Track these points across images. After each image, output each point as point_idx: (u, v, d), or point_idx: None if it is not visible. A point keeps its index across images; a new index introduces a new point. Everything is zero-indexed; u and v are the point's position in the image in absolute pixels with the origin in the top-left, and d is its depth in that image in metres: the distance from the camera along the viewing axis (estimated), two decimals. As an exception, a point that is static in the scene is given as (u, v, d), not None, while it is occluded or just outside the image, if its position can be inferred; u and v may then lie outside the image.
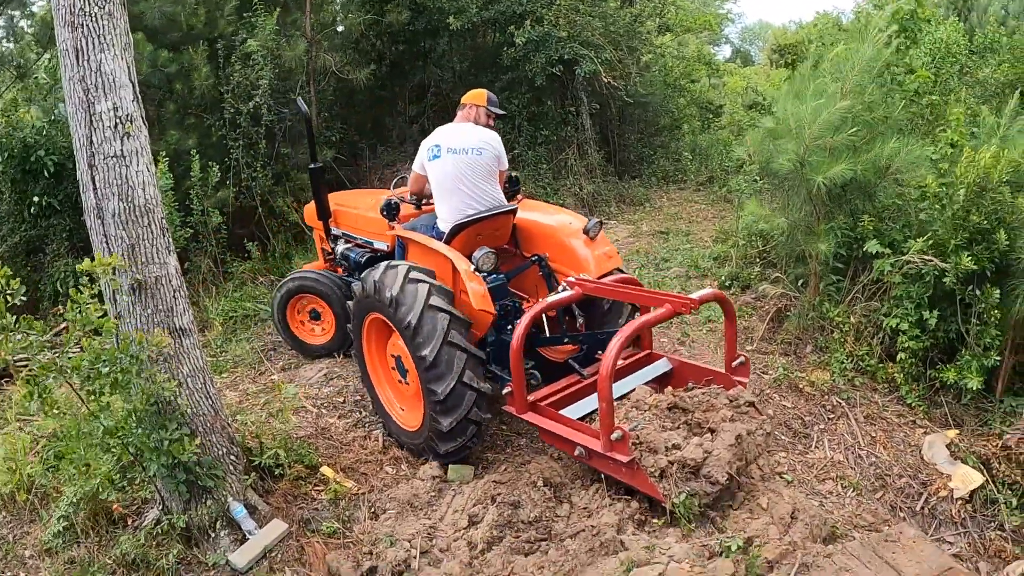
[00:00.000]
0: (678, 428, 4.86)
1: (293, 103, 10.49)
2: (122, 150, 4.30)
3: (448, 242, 5.88)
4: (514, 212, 6.23)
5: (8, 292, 3.94)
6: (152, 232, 4.44)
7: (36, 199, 9.16)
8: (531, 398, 5.34)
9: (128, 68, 4.34)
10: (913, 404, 6.56)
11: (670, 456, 4.59)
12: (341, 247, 7.33)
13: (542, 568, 4.34)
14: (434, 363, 5.14)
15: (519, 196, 6.77)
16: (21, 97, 11.28)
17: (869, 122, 6.81)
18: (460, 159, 5.95)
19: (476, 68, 13.92)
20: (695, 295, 4.95)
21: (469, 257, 5.70)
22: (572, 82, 12.93)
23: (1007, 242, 5.90)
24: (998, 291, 5.98)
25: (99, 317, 4.10)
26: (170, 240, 4.60)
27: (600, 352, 5.66)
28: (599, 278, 5.68)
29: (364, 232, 7.10)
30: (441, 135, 6.10)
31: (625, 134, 15.07)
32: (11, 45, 12.63)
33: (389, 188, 7.47)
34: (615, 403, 4.98)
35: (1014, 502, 5.68)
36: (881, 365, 6.80)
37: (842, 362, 6.88)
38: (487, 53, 13.60)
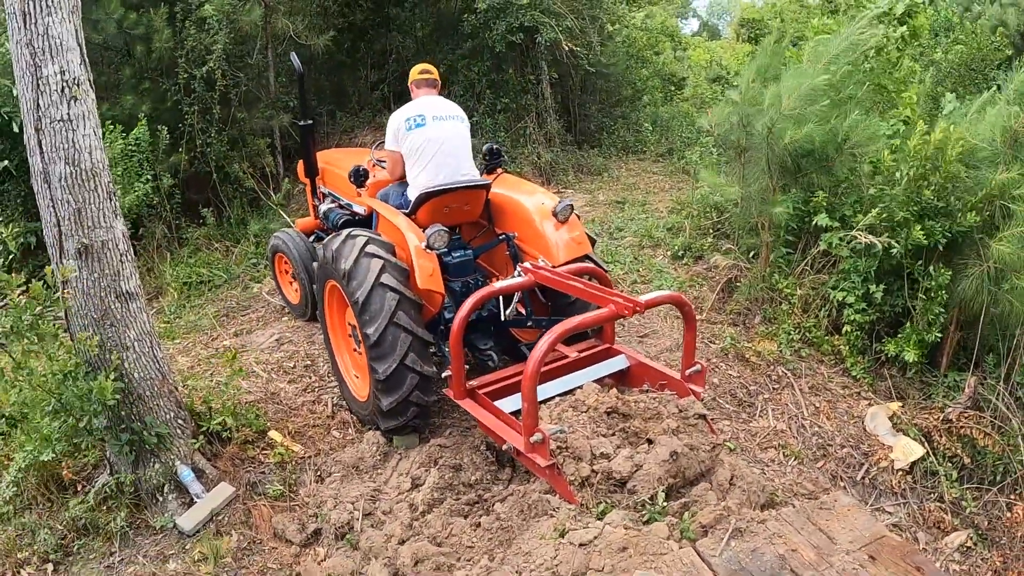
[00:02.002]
0: (613, 435, 4.62)
1: (280, 66, 10.40)
2: (69, 114, 4.26)
3: (414, 210, 5.81)
4: (486, 187, 6.07)
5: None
6: (99, 196, 4.42)
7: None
8: (474, 383, 5.25)
9: (76, 31, 4.29)
10: (858, 376, 6.70)
11: (596, 465, 4.42)
12: (325, 206, 7.24)
13: (478, 528, 4.42)
14: (378, 342, 5.07)
15: (499, 169, 6.57)
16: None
17: (835, 101, 6.90)
18: (448, 125, 5.92)
19: (438, 35, 13.84)
20: (644, 297, 4.73)
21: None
22: (533, 50, 12.89)
23: (960, 217, 6.04)
24: (950, 272, 6.12)
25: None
26: (117, 204, 4.58)
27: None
28: (566, 263, 5.54)
29: (344, 194, 7.04)
30: (420, 106, 5.98)
31: (586, 104, 15.06)
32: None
33: (372, 149, 7.37)
34: (558, 398, 4.97)
35: (954, 474, 5.87)
36: (827, 337, 6.94)
37: (789, 333, 6.99)
38: (449, 20, 13.50)
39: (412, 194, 5.93)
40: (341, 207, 7.11)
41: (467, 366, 5.33)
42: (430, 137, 5.83)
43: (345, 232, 5.49)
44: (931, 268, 6.24)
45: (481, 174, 6.35)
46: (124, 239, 4.61)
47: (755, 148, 7.03)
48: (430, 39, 13.77)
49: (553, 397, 5.07)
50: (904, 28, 7.84)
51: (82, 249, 4.38)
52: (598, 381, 5.30)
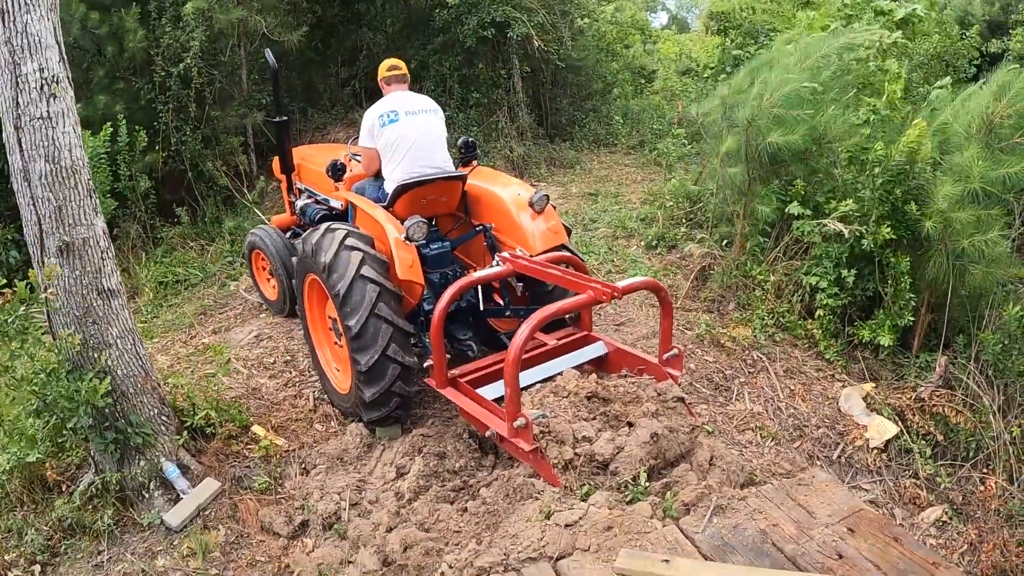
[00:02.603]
0: (594, 419, 4.74)
1: (253, 63, 10.38)
2: (48, 111, 4.27)
3: (392, 203, 5.88)
4: (462, 179, 6.17)
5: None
6: (79, 193, 4.43)
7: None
8: (455, 372, 5.32)
9: (54, 28, 4.30)
10: (832, 359, 6.83)
11: (578, 448, 4.54)
12: (301, 201, 7.27)
13: (465, 512, 4.49)
14: (359, 334, 5.12)
15: (474, 162, 6.65)
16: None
17: (816, 101, 7.03)
18: (421, 119, 5.98)
19: (408, 30, 13.86)
20: (622, 283, 4.85)
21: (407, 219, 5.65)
22: (504, 45, 12.95)
23: (919, 212, 6.20)
24: (908, 259, 6.30)
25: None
26: (96, 202, 4.59)
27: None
28: (542, 253, 5.62)
29: (321, 189, 7.08)
30: (392, 102, 6.05)
31: (557, 98, 15.12)
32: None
33: (347, 144, 7.41)
34: (539, 384, 5.05)
35: (928, 451, 6.00)
36: (801, 322, 7.06)
37: (763, 319, 7.10)
38: (419, 15, 13.53)
39: (389, 187, 5.98)
40: (318, 202, 7.14)
41: (448, 356, 5.38)
42: (403, 132, 5.90)
43: (324, 226, 5.55)
44: (893, 255, 6.42)
45: (456, 167, 6.38)
46: (105, 236, 4.62)
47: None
48: (400, 35, 13.80)
49: (534, 384, 5.14)
50: (900, 33, 8.02)
51: (63, 247, 4.39)
52: (578, 368, 5.38)
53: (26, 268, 4.28)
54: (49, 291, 4.38)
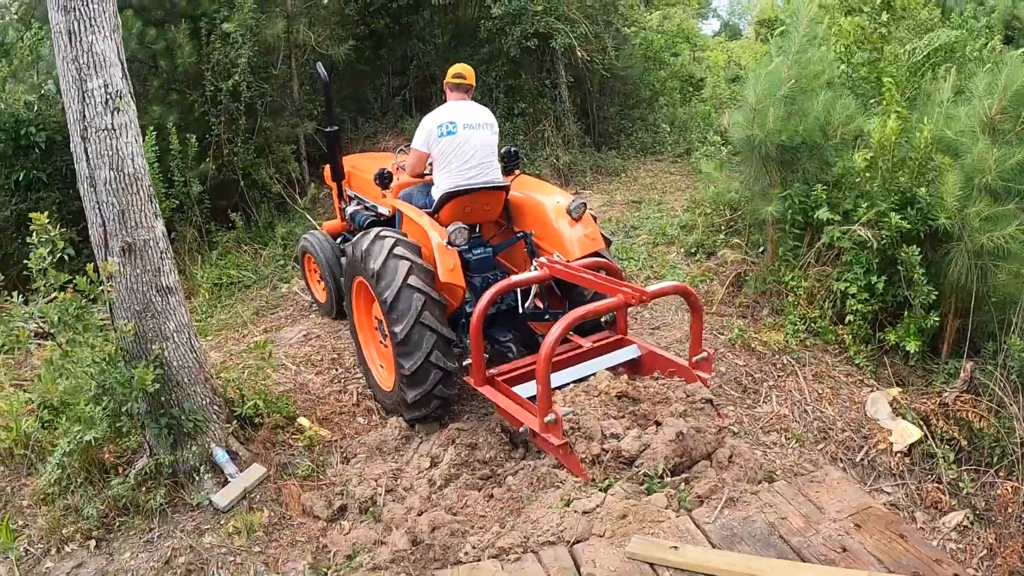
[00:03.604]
0: (623, 417, 4.96)
1: (304, 75, 10.79)
2: (112, 124, 4.65)
3: (438, 210, 6.15)
4: (506, 189, 6.41)
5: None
6: (140, 199, 4.81)
7: (25, 172, 9.50)
8: (493, 371, 5.57)
9: (117, 48, 4.69)
10: (861, 365, 6.91)
11: (606, 445, 4.77)
12: (351, 208, 7.59)
13: (491, 499, 4.77)
14: (405, 340, 5.41)
15: (516, 171, 6.86)
16: (5, 73, 11.55)
17: (813, 89, 7.15)
18: (478, 135, 6.21)
19: (456, 41, 14.18)
20: (651, 288, 5.07)
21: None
22: (549, 55, 13.21)
23: (930, 198, 6.26)
24: (916, 249, 6.34)
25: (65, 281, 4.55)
26: (157, 206, 4.98)
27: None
28: (579, 259, 5.85)
29: (369, 196, 7.38)
30: (453, 111, 6.25)
31: (604, 106, 15.30)
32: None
33: (395, 154, 7.72)
34: (572, 384, 5.28)
35: (951, 456, 6.04)
36: (832, 327, 7.14)
37: (795, 324, 7.21)
38: (466, 26, 13.84)
39: (436, 194, 6.27)
40: (367, 208, 7.44)
41: (487, 356, 5.67)
42: (460, 143, 6.14)
43: (374, 232, 5.81)
44: (906, 249, 6.43)
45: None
46: (164, 238, 5.00)
47: (747, 144, 7.30)
48: (448, 45, 14.13)
49: (568, 384, 5.37)
50: (887, 15, 8.12)
51: (125, 247, 4.76)
52: (611, 369, 5.59)
53: (82, 268, 4.64)
54: (108, 285, 4.75)
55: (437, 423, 5.96)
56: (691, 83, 18.51)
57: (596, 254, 6.03)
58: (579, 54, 12.57)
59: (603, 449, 4.76)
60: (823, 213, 6.95)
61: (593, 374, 5.42)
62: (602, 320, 6.14)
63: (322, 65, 7.45)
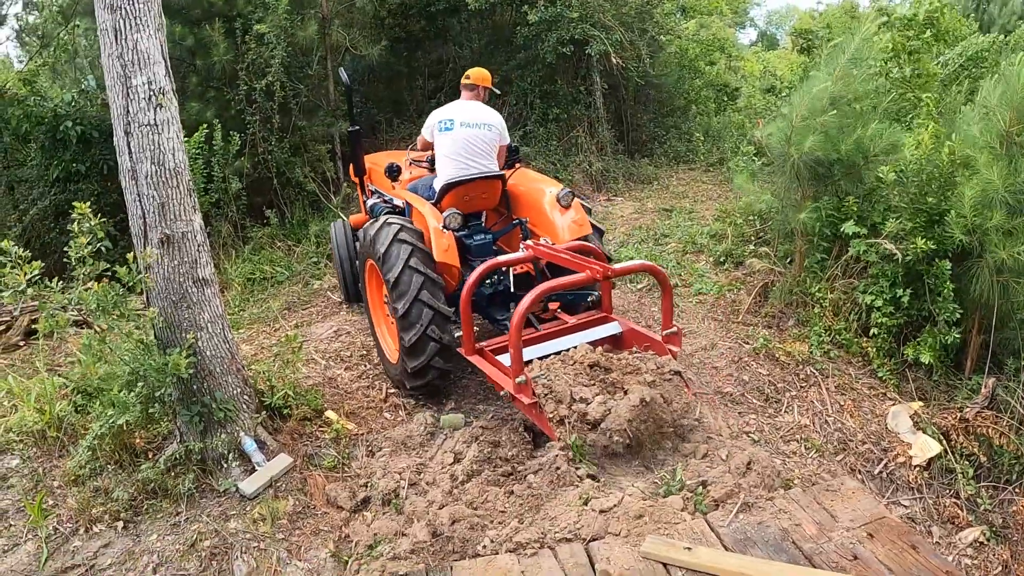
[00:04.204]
0: (593, 384, 5.30)
1: (336, 73, 11.01)
2: (155, 119, 4.82)
3: (440, 199, 6.67)
4: (502, 178, 6.94)
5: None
6: (180, 192, 4.97)
7: (62, 165, 9.76)
8: (483, 344, 6.03)
9: (161, 46, 4.86)
10: (884, 378, 6.91)
11: (574, 407, 5.13)
12: (371, 201, 8.02)
13: (511, 495, 4.87)
14: (405, 315, 5.90)
15: (517, 165, 7.40)
16: (42, 65, 11.88)
17: (856, 109, 7.18)
18: (472, 132, 6.76)
19: (492, 46, 14.32)
20: (619, 265, 5.65)
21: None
22: (584, 62, 13.31)
23: (960, 219, 6.26)
24: (948, 264, 6.35)
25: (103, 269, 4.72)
26: (196, 200, 5.14)
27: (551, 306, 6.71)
28: (566, 243, 6.29)
29: (386, 189, 7.79)
30: (454, 110, 6.87)
31: (638, 114, 15.38)
32: (34, 17, 13.14)
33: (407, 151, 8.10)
34: (554, 355, 5.66)
35: (971, 472, 6.02)
36: (856, 340, 7.14)
37: (820, 335, 7.23)
38: (502, 31, 13.98)
39: (437, 186, 6.83)
40: (384, 201, 7.84)
41: (476, 331, 6.11)
42: (456, 139, 6.74)
43: (383, 219, 6.35)
44: (939, 263, 6.43)
45: (504, 167, 7.20)
46: (201, 231, 5.16)
47: (781, 156, 7.35)
48: (485, 50, 14.27)
49: (550, 355, 5.75)
50: (929, 33, 8.13)
51: (164, 239, 4.91)
52: (594, 343, 5.96)
53: (119, 259, 4.79)
54: (147, 274, 4.91)
55: (461, 418, 6.15)
56: (726, 92, 18.53)
57: (586, 239, 6.50)
58: (614, 61, 12.66)
59: (571, 411, 5.14)
60: (849, 227, 6.97)
61: (575, 347, 5.75)
62: (588, 300, 6.64)
63: (345, 70, 7.91)
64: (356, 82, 10.38)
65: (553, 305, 6.82)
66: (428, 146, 7.11)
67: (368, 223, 6.55)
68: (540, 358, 5.70)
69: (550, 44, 12.39)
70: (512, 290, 6.71)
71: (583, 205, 6.81)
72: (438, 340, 5.98)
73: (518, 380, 5.17)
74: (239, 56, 10.36)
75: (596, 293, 6.56)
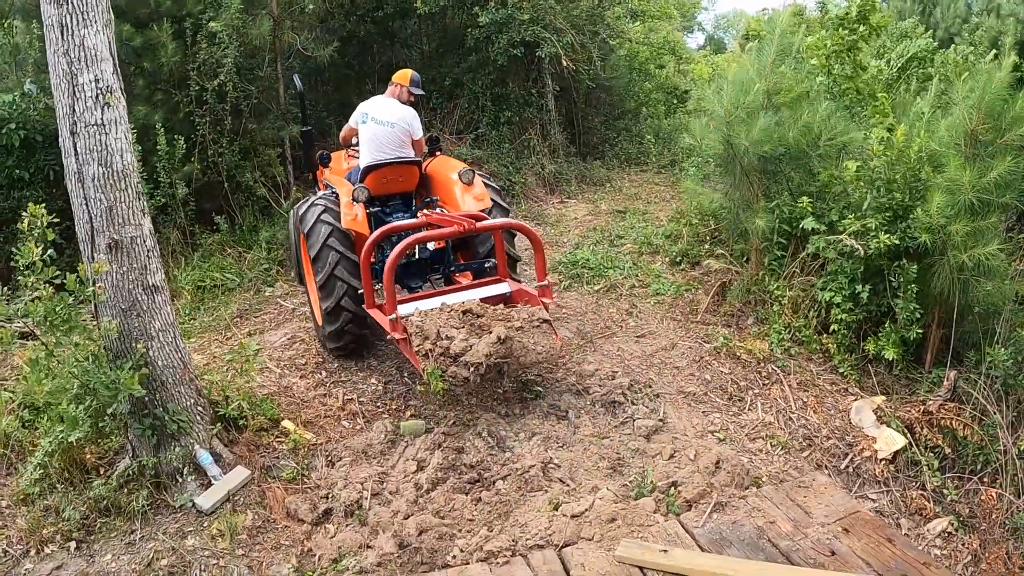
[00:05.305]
0: (462, 328, 5.82)
1: (289, 79, 10.88)
2: (102, 119, 4.63)
3: (362, 180, 7.28)
4: (417, 163, 7.56)
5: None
6: (129, 195, 4.78)
7: (5, 171, 9.44)
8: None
9: (109, 43, 4.67)
10: (845, 373, 6.93)
11: (439, 344, 5.68)
12: (322, 192, 8.17)
13: (479, 502, 4.75)
14: (323, 286, 6.58)
15: (437, 153, 8.20)
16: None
17: (789, 97, 7.22)
18: (379, 128, 7.35)
19: (443, 48, 14.20)
20: (484, 222, 6.40)
21: (380, 196, 7.43)
22: (535, 64, 13.25)
23: (925, 219, 6.29)
24: (916, 266, 6.38)
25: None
26: (144, 203, 4.95)
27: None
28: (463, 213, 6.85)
29: (332, 181, 8.07)
30: (371, 105, 7.49)
31: (589, 116, 15.37)
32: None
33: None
34: (448, 307, 6.15)
35: (935, 464, 6.05)
36: (816, 336, 7.15)
37: (780, 333, 7.23)
38: (453, 34, 13.87)
39: (360, 169, 7.46)
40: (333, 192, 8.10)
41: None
42: (369, 132, 7.37)
43: (311, 199, 7.12)
44: (899, 265, 6.48)
45: (426, 156, 7.95)
46: (151, 236, 4.97)
47: (727, 157, 7.38)
48: (436, 52, 14.15)
49: (440, 307, 6.20)
50: (863, 28, 8.22)
51: (112, 244, 4.72)
52: (486, 301, 6.48)
53: (65, 268, 4.60)
54: (97, 285, 4.70)
55: (422, 424, 6.04)
56: (676, 95, 18.61)
57: (489, 212, 7.12)
58: (565, 63, 12.60)
59: (435, 346, 5.69)
60: (809, 223, 6.97)
61: (468, 300, 6.33)
62: (486, 267, 7.32)
63: (299, 76, 8.61)
64: (307, 85, 10.23)
65: (464, 276, 7.56)
66: (354, 132, 7.72)
67: (299, 203, 7.29)
68: (428, 309, 6.22)
69: (501, 46, 12.31)
70: (416, 256, 7.40)
71: (486, 183, 7.50)
72: (350, 310, 6.64)
73: (390, 317, 5.85)
74: (189, 57, 10.11)
75: (493, 261, 7.16)
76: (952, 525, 5.69)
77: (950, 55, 9.78)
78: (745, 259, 8.18)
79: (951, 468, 6.17)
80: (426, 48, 14.23)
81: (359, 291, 6.57)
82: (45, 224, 4.52)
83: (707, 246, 9.11)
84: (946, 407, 6.24)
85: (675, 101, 18.38)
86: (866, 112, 7.75)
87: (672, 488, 4.55)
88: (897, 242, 6.39)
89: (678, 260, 9.17)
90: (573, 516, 4.29)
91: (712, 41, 41.76)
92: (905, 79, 9.35)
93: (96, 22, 4.54)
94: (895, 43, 9.96)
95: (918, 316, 6.51)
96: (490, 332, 5.72)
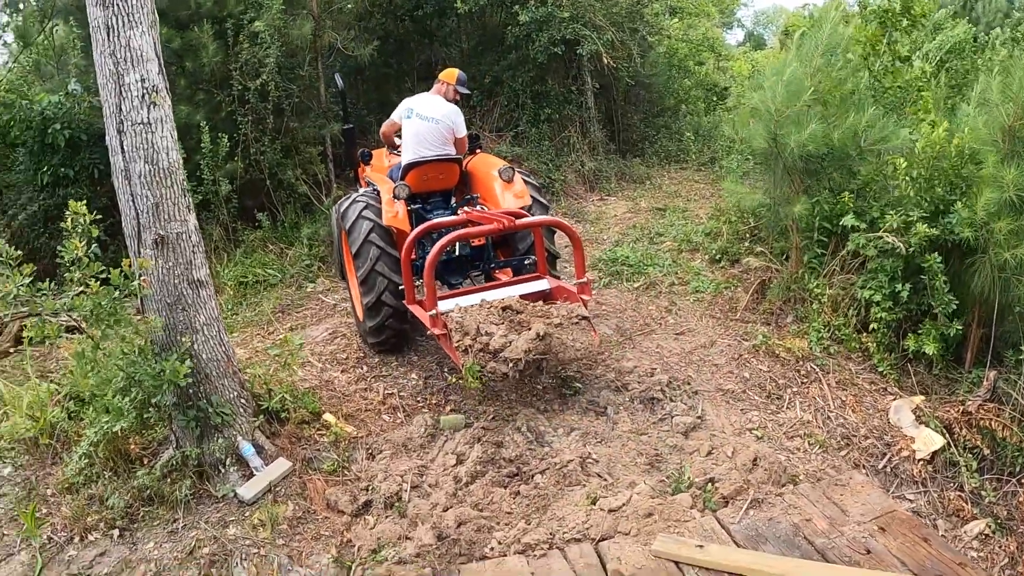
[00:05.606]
0: (502, 324, 5.89)
1: (329, 77, 11.02)
2: (148, 118, 4.74)
3: (403, 177, 7.33)
4: (458, 161, 7.61)
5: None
6: (174, 192, 4.89)
7: (51, 169, 9.67)
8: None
9: (154, 43, 4.77)
10: (885, 372, 6.87)
11: (479, 339, 5.76)
12: (363, 189, 8.27)
13: (517, 496, 4.79)
14: (364, 281, 6.70)
15: (477, 151, 8.21)
16: (28, 65, 11.73)
17: (836, 98, 7.15)
18: (423, 123, 7.39)
19: (482, 46, 14.25)
20: (524, 220, 6.46)
21: (420, 193, 7.43)
22: (575, 61, 13.26)
23: (965, 213, 6.22)
24: (939, 257, 6.32)
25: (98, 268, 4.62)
26: (190, 200, 5.07)
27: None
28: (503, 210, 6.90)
29: (373, 178, 8.14)
30: (416, 101, 7.56)
31: (629, 114, 15.35)
32: (12, 17, 13.00)
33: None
34: (487, 303, 6.23)
35: (974, 465, 5.98)
36: (856, 335, 7.09)
37: (819, 331, 7.18)
38: (492, 32, 13.91)
39: (401, 166, 7.51)
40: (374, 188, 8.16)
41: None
42: (413, 128, 7.42)
43: (354, 196, 7.24)
44: (928, 257, 6.40)
45: (466, 154, 7.92)
46: (196, 232, 5.08)
47: (770, 154, 7.33)
48: (475, 51, 14.20)
49: (480, 303, 6.31)
50: (907, 23, 8.13)
51: (158, 240, 4.83)
52: (525, 297, 6.50)
53: (109, 264, 4.70)
54: (142, 279, 4.81)
55: (462, 418, 6.11)
56: (715, 92, 18.51)
57: (529, 210, 7.13)
58: (605, 61, 12.60)
59: (475, 341, 5.77)
60: (850, 219, 6.92)
61: (502, 298, 6.36)
62: (526, 264, 7.33)
63: (339, 75, 8.79)
64: (347, 84, 10.36)
65: (503, 272, 7.58)
66: (396, 127, 7.79)
67: (342, 199, 7.39)
68: (469, 305, 6.30)
69: (541, 44, 12.34)
70: (456, 253, 7.44)
71: (526, 181, 7.48)
72: (391, 305, 6.72)
73: (430, 313, 5.90)
74: (230, 57, 10.25)
75: (532, 258, 7.15)
76: (989, 527, 5.62)
77: (995, 40, 9.65)
78: (785, 257, 8.13)
79: (989, 469, 6.09)
80: (465, 46, 14.28)
81: (400, 286, 6.64)
82: (89, 221, 4.62)
83: (747, 244, 9.08)
84: (985, 407, 6.17)
85: (714, 98, 18.28)
86: (908, 108, 7.67)
87: (709, 484, 4.56)
88: (936, 233, 6.33)
89: (718, 258, 9.16)
90: (610, 510, 4.33)
91: (752, 37, 41.49)
92: (946, 71, 9.26)
93: (141, 23, 4.65)
94: (929, 36, 9.84)
95: (954, 309, 6.44)
96: (529, 328, 5.78)
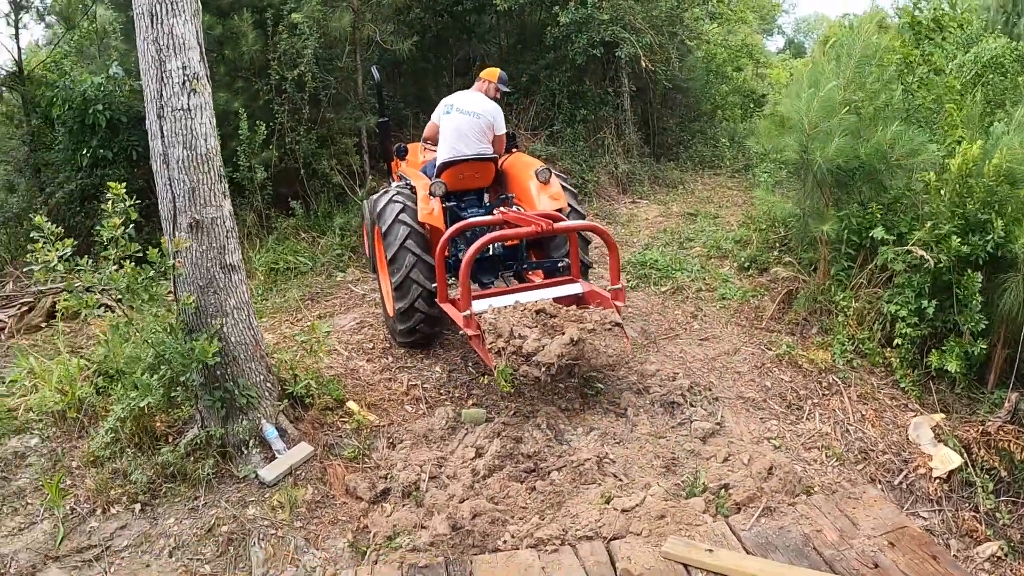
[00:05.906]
0: (536, 327, 5.84)
1: (367, 70, 11.09)
2: (188, 104, 4.86)
3: (438, 174, 7.33)
4: (494, 160, 7.59)
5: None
6: (211, 178, 5.01)
7: (90, 150, 9.85)
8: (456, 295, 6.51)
9: (196, 32, 4.89)
10: (907, 389, 6.85)
11: (512, 342, 5.71)
12: (396, 184, 8.27)
13: (533, 491, 4.87)
14: (399, 287, 6.64)
15: (514, 150, 8.14)
16: (71, 47, 11.91)
17: (870, 111, 7.15)
18: (463, 117, 7.40)
19: (521, 45, 14.30)
20: (561, 223, 6.40)
21: (455, 191, 7.41)
22: (613, 63, 13.28)
23: (1003, 231, 6.20)
24: (980, 275, 6.27)
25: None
26: (226, 186, 5.18)
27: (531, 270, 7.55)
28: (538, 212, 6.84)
29: (408, 173, 8.13)
30: (457, 97, 7.58)
31: (664, 118, 15.35)
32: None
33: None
34: (521, 305, 6.17)
35: (990, 486, 5.95)
36: (880, 349, 7.08)
37: (843, 344, 7.17)
38: (532, 31, 13.95)
39: (438, 163, 7.49)
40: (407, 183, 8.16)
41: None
42: (452, 123, 7.41)
43: (389, 194, 7.10)
44: (969, 274, 6.37)
45: (503, 153, 7.88)
46: (230, 217, 5.19)
47: (800, 165, 7.34)
48: (514, 49, 14.25)
49: (513, 304, 6.24)
50: (940, 36, 8.09)
51: (194, 224, 4.94)
52: (557, 300, 6.44)
53: (144, 245, 4.83)
54: (177, 260, 4.93)
55: (484, 413, 6.18)
56: (752, 99, 18.45)
57: (563, 212, 7.11)
58: (644, 64, 12.61)
59: (508, 344, 5.70)
60: (878, 232, 6.90)
61: (541, 299, 6.33)
62: (559, 266, 7.29)
63: (376, 68, 8.76)
64: (384, 77, 10.46)
65: (535, 274, 7.54)
66: (434, 127, 7.73)
67: (377, 195, 7.33)
68: (501, 306, 6.25)
69: (580, 45, 12.37)
70: (491, 252, 7.36)
71: (563, 184, 7.41)
72: (421, 284, 6.64)
73: (464, 314, 5.84)
74: (269, 46, 10.38)
75: (565, 260, 7.13)
76: (1002, 550, 5.60)
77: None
78: (813, 268, 8.13)
79: (1006, 492, 6.07)
80: (504, 44, 14.34)
81: (433, 294, 6.63)
82: (128, 202, 4.75)
83: (776, 253, 9.08)
84: (1005, 429, 6.15)
85: (751, 105, 18.21)
86: (939, 123, 7.65)
87: (723, 490, 4.61)
88: (968, 251, 6.32)
89: (746, 266, 9.16)
90: (623, 510, 4.39)
91: (792, 45, 41.22)
92: (983, 86, 9.19)
93: (184, 11, 4.77)
94: (962, 48, 9.76)
95: (982, 328, 6.42)
96: (563, 333, 5.76)
